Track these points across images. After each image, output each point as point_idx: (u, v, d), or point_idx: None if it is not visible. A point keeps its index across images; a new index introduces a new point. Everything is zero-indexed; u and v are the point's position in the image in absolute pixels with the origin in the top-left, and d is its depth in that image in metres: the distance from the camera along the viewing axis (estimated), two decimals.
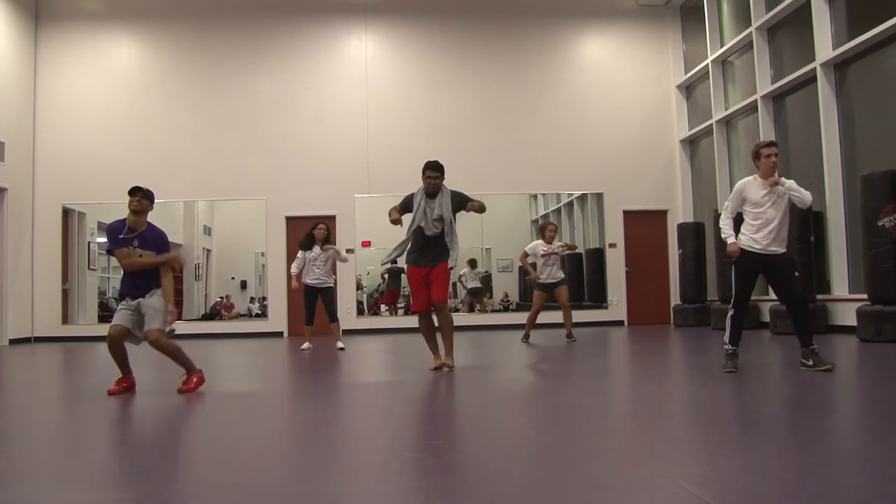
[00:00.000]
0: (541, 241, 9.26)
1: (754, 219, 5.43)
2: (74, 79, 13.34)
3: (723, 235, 5.54)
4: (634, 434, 3.62)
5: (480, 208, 6.18)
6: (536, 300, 9.35)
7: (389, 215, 6.25)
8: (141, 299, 5.19)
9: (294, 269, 9.24)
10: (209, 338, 12.57)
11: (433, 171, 6.24)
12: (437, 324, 6.37)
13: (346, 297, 13.18)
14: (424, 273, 6.22)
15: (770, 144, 5.53)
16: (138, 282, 5.23)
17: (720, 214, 5.76)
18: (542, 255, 9.12)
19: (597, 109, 13.83)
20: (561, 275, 9.28)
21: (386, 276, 14.73)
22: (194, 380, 5.25)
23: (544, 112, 13.73)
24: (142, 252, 5.25)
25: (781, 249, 5.46)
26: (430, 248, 6.22)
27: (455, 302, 14.99)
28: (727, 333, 5.51)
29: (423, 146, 12.73)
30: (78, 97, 13.29)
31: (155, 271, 5.29)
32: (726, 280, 11.18)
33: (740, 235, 5.52)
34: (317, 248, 9.10)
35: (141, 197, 5.29)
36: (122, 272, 5.41)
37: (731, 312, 5.56)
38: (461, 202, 6.26)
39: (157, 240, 5.36)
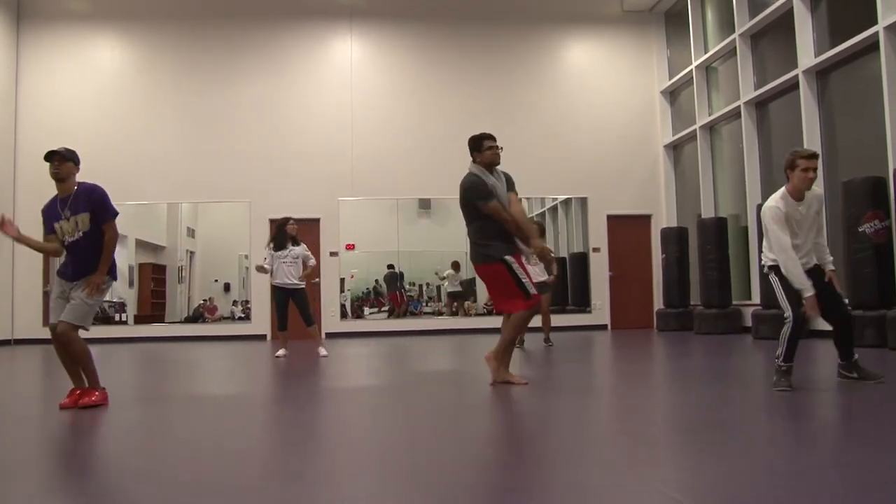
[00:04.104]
0: None
1: (792, 241, 4.63)
2: (57, 79, 13.22)
3: (796, 284, 4.54)
4: (616, 438, 3.62)
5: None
6: None
7: (504, 219, 5.22)
8: (75, 285, 4.49)
9: (267, 267, 8.58)
10: (192, 340, 12.49)
11: (493, 140, 5.27)
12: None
13: (330, 300, 13.14)
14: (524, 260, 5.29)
15: (812, 156, 4.61)
16: (76, 262, 4.50)
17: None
18: None
19: (581, 114, 13.89)
20: (542, 276, 8.66)
21: (380, 279, 14.74)
22: (96, 394, 4.50)
23: (529, 117, 13.76)
24: (77, 219, 4.47)
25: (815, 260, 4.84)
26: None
27: (439, 305, 15.00)
28: (782, 349, 4.66)
29: (408, 150, 12.77)
30: (61, 98, 13.16)
31: (96, 252, 4.50)
32: (710, 285, 11.29)
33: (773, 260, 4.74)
34: (289, 245, 8.56)
35: (59, 161, 4.47)
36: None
37: (789, 328, 4.66)
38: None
39: (87, 197, 4.49)
